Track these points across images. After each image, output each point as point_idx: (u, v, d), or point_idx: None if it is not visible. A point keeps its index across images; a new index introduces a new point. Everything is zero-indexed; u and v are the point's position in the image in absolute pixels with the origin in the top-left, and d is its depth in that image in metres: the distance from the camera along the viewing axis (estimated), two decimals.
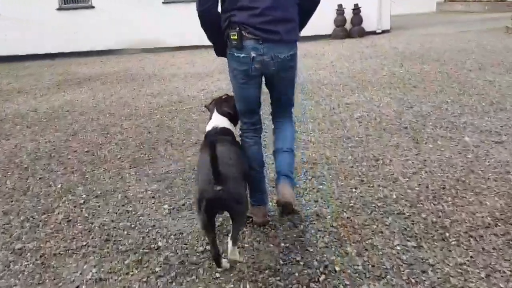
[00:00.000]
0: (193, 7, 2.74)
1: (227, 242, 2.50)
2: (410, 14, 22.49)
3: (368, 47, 11.60)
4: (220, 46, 2.83)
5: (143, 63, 11.98)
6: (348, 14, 14.34)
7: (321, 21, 14.44)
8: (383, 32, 14.63)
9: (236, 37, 2.64)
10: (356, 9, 14.29)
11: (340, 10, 14.27)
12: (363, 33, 14.32)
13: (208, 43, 2.87)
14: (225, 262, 2.57)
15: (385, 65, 8.72)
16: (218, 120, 2.96)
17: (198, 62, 11.42)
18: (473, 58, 8.71)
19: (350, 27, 14.46)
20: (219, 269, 2.59)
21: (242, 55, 2.69)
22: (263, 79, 2.86)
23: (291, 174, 2.91)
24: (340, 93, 6.79)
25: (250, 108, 2.93)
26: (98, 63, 12.62)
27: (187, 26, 14.52)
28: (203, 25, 2.76)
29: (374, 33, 14.53)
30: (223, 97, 3.13)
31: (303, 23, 2.88)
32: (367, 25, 14.43)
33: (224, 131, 2.87)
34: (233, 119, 3.01)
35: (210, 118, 3.02)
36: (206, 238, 2.70)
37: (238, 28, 2.63)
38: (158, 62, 12.07)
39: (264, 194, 3.09)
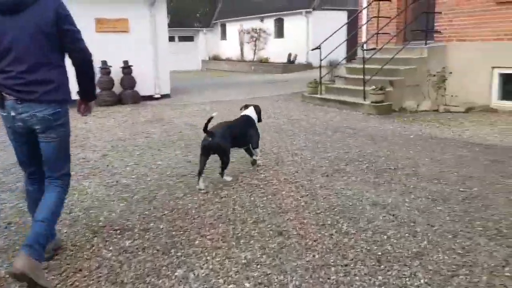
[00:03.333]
0: None
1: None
2: (174, 72, 19.57)
3: (157, 123, 8.05)
4: None
5: None
6: (117, 74, 10.59)
7: None
8: (163, 97, 11.37)
9: None
10: (127, 68, 10.66)
11: (105, 68, 10.39)
12: (138, 99, 10.74)
13: None
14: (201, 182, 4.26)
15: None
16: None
17: None
18: (394, 157, 6.10)
19: (120, 91, 10.70)
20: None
21: (5, 113, 2.73)
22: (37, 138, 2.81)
23: (36, 244, 2.57)
24: None
25: (23, 160, 2.94)
26: None
27: None
28: None
29: (151, 98, 11.13)
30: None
31: (82, 83, 2.89)
32: (142, 88, 10.94)
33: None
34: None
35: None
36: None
37: None
38: None
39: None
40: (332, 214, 3.65)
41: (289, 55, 20.89)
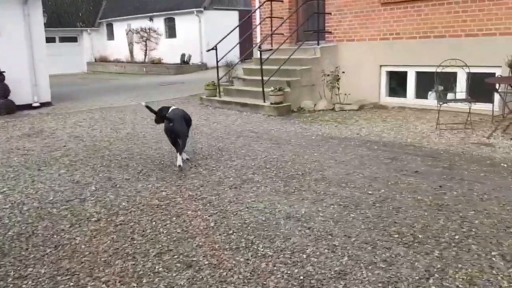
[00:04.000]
0: None
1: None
2: (56, 76, 17.39)
3: (36, 137, 7.02)
4: None
5: None
6: None
7: None
8: (43, 105, 10.13)
9: None
10: None
11: None
12: (13, 109, 9.42)
13: None
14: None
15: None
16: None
17: None
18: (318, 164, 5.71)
19: None
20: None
21: None
22: None
23: None
24: None
25: None
26: None
27: None
28: None
29: (29, 107, 9.85)
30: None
31: None
32: (18, 97, 9.63)
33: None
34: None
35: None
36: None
37: None
38: None
39: None
40: (245, 234, 3.31)
41: (183, 55, 20.29)
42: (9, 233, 3.48)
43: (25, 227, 3.59)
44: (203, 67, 19.88)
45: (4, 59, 9.27)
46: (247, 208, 3.81)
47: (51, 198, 4.21)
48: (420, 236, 3.18)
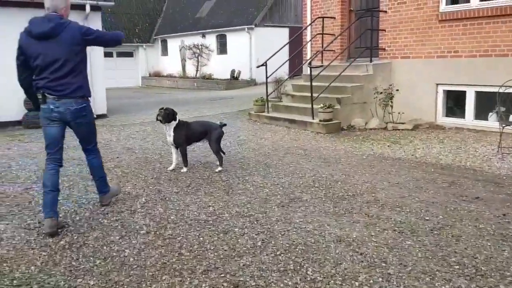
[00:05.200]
0: None
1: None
2: (112, 89, 18.17)
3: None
4: (35, 103, 3.83)
5: None
6: None
7: (5, 101, 9.33)
8: (99, 117, 10.51)
9: (41, 96, 3.71)
10: None
11: None
12: None
13: None
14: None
15: None
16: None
17: None
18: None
19: None
20: None
21: (45, 107, 3.72)
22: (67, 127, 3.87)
23: (104, 188, 4.29)
24: None
25: (51, 142, 3.80)
26: None
27: None
28: (23, 89, 3.86)
29: None
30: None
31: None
32: None
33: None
34: None
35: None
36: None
37: (41, 91, 3.70)
38: None
39: (53, 210, 3.68)
40: (293, 256, 3.20)
41: (233, 71, 20.58)
42: (61, 242, 3.56)
43: (76, 237, 3.65)
44: (252, 83, 20.06)
45: None
46: (295, 228, 3.70)
47: (103, 209, 4.29)
48: (483, 268, 2.94)
